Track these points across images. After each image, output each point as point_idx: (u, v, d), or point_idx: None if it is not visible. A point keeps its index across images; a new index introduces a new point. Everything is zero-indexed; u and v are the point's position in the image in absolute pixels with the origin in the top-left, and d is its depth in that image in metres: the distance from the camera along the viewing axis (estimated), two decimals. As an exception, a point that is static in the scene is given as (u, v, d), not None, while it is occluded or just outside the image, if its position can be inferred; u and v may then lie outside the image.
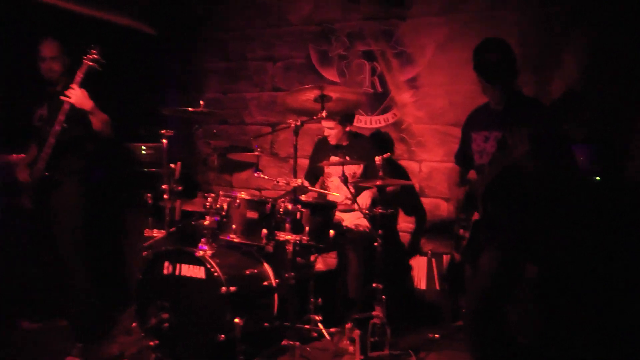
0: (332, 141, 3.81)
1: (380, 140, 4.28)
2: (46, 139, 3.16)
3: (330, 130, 3.76)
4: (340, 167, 3.26)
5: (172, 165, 3.35)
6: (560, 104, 2.25)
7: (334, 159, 3.72)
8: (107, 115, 3.26)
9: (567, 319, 3.07)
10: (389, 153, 3.28)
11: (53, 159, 3.16)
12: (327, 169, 3.90)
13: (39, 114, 3.34)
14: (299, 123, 3.02)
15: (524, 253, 2.52)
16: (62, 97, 3.12)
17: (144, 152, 4.22)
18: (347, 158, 3.33)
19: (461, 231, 2.74)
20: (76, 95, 3.12)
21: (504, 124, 2.51)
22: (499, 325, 2.51)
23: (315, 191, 3.69)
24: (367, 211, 3.38)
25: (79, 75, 3.16)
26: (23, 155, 3.50)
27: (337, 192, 3.62)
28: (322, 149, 3.92)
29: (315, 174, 4.02)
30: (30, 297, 3.65)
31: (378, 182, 3.14)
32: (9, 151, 3.71)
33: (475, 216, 2.63)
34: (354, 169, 3.79)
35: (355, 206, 3.29)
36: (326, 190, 3.81)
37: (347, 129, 3.79)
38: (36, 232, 3.40)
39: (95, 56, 3.19)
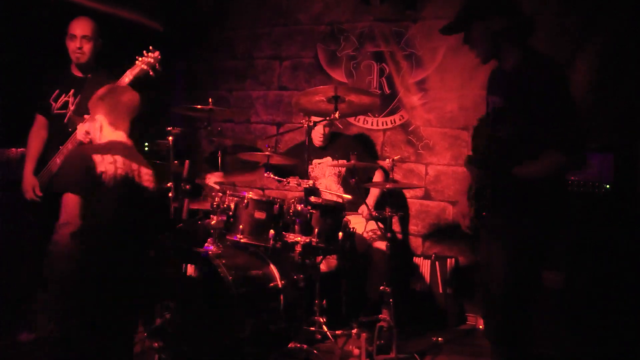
0: (318, 143, 3.83)
1: (359, 137, 4.30)
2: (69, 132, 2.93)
3: (322, 135, 3.77)
4: (328, 169, 3.21)
5: (176, 162, 3.29)
6: None
7: (317, 161, 3.79)
8: None
9: (594, 331, 3.00)
10: (399, 155, 3.26)
11: None
12: (312, 172, 3.85)
13: (63, 99, 3.11)
14: (311, 124, 2.96)
15: (534, 259, 2.31)
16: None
17: (146, 149, 4.16)
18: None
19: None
20: None
21: (506, 87, 2.34)
22: (523, 336, 2.33)
23: (330, 193, 3.62)
24: (375, 213, 3.35)
25: (127, 77, 2.90)
26: (23, 149, 3.29)
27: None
28: (302, 152, 3.66)
29: None
30: (28, 307, 3.52)
31: (388, 185, 3.11)
32: (8, 145, 3.49)
33: None
34: (338, 168, 3.81)
35: (364, 207, 3.25)
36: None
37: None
38: (36, 239, 3.15)
39: (152, 60, 2.93)
